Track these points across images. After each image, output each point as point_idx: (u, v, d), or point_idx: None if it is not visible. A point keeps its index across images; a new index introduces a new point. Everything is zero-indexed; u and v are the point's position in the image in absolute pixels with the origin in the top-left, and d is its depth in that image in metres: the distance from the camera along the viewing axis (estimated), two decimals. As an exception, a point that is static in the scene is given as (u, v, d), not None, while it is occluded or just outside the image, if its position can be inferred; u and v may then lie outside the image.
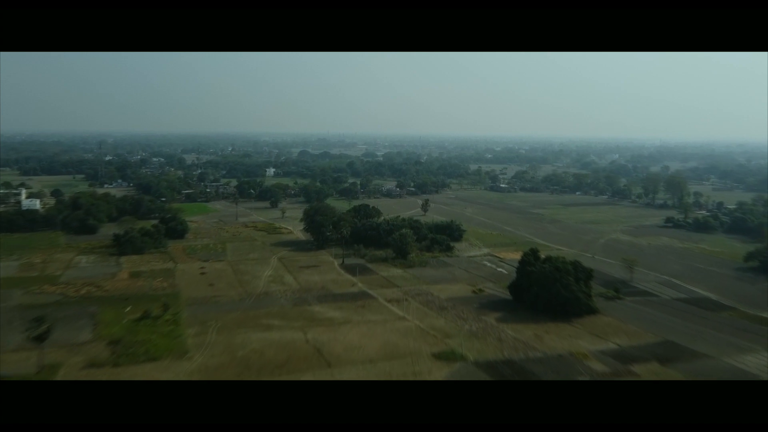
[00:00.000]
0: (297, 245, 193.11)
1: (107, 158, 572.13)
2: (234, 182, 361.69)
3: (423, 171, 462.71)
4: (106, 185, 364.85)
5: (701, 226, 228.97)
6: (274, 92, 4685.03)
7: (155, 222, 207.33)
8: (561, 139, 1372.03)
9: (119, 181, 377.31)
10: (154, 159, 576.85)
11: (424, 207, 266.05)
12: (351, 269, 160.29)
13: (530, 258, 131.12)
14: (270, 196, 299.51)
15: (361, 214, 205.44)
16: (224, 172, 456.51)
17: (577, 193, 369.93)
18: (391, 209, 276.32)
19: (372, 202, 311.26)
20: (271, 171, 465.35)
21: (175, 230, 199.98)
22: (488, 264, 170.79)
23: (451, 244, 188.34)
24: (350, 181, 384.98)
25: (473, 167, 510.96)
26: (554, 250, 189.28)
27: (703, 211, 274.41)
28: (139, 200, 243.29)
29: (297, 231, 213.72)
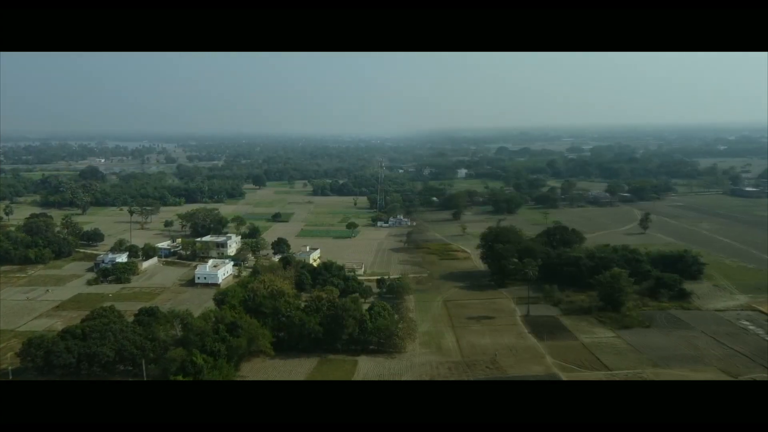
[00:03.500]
0: (472, 279, 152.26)
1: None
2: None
3: (639, 170, 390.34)
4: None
5: None
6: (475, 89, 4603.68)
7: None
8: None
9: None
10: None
11: (643, 222, 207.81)
12: (537, 327, 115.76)
13: None
14: (453, 205, 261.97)
15: (555, 241, 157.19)
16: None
17: None
18: (597, 224, 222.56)
19: (575, 212, 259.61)
20: (462, 172, 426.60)
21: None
22: (750, 326, 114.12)
23: (686, 286, 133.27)
24: (549, 184, 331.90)
25: (703, 163, 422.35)
26: None
27: None
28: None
29: (476, 255, 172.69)
